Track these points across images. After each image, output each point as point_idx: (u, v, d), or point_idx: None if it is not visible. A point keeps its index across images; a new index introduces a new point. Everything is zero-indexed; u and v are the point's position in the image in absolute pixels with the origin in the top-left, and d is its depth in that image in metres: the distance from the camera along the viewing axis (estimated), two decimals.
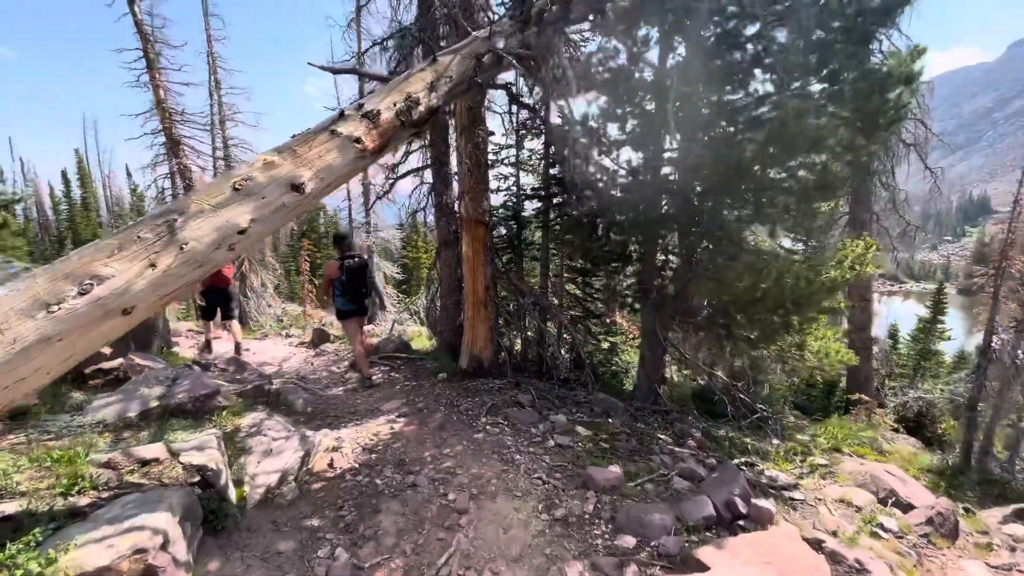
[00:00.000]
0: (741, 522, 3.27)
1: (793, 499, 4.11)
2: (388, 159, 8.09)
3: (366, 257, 6.25)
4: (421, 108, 3.22)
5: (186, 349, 8.09)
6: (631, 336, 12.95)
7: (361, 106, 3.00)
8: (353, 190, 14.01)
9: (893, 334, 15.09)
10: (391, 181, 7.96)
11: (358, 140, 2.90)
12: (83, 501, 2.83)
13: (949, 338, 13.92)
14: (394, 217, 13.86)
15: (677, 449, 4.76)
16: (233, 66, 13.63)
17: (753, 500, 3.37)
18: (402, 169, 7.73)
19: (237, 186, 2.53)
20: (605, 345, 8.90)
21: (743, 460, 4.83)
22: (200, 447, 3.49)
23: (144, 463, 3.27)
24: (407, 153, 7.61)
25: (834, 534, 3.45)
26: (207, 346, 7.24)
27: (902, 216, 12.13)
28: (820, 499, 4.18)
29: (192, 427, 3.90)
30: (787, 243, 6.10)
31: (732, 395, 5.99)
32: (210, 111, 13.49)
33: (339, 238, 6.17)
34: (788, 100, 3.95)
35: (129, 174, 31.95)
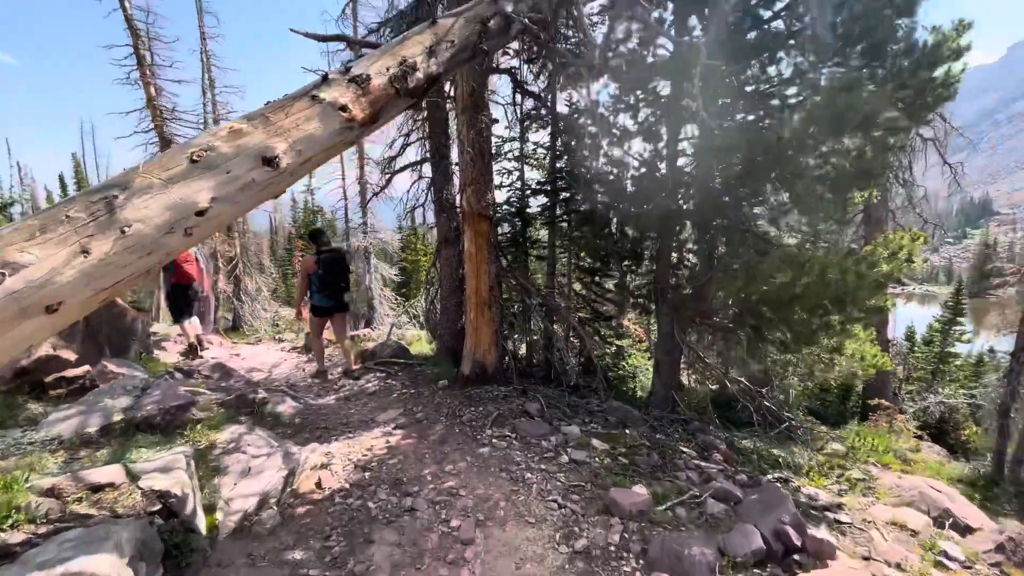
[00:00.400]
0: (796, 556, 2.81)
1: (840, 522, 3.65)
2: (385, 141, 7.66)
3: (344, 251, 5.96)
4: (419, 75, 2.78)
5: (174, 354, 7.63)
6: (638, 339, 12.51)
7: (348, 69, 2.56)
8: (350, 189, 13.58)
9: (910, 336, 14.61)
10: (388, 176, 7.52)
11: (344, 108, 2.46)
12: (16, 538, 2.38)
13: (968, 340, 13.46)
14: (392, 217, 13.44)
15: (703, 464, 4.30)
16: (227, 64, 13.30)
17: (809, 530, 2.91)
18: (400, 163, 7.29)
19: (195, 157, 2.09)
20: (611, 348, 8.44)
21: (776, 476, 4.38)
22: (165, 468, 3.04)
23: (96, 489, 2.82)
24: (405, 146, 7.19)
25: (899, 567, 3.00)
26: (191, 351, 6.78)
27: (919, 214, 11.71)
28: (869, 521, 3.71)
29: (160, 444, 3.45)
30: (791, 241, 5.68)
31: (757, 403, 5.53)
32: (203, 110, 13.11)
33: (315, 234, 5.96)
34: (833, 74, 3.51)
35: None
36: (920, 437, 9.48)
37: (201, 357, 6.85)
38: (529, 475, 3.69)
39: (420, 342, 9.45)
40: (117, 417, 3.58)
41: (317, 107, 2.39)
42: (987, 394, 10.36)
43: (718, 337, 5.91)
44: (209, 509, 3.08)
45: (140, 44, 11.96)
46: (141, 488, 2.83)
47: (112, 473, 2.89)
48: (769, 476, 4.29)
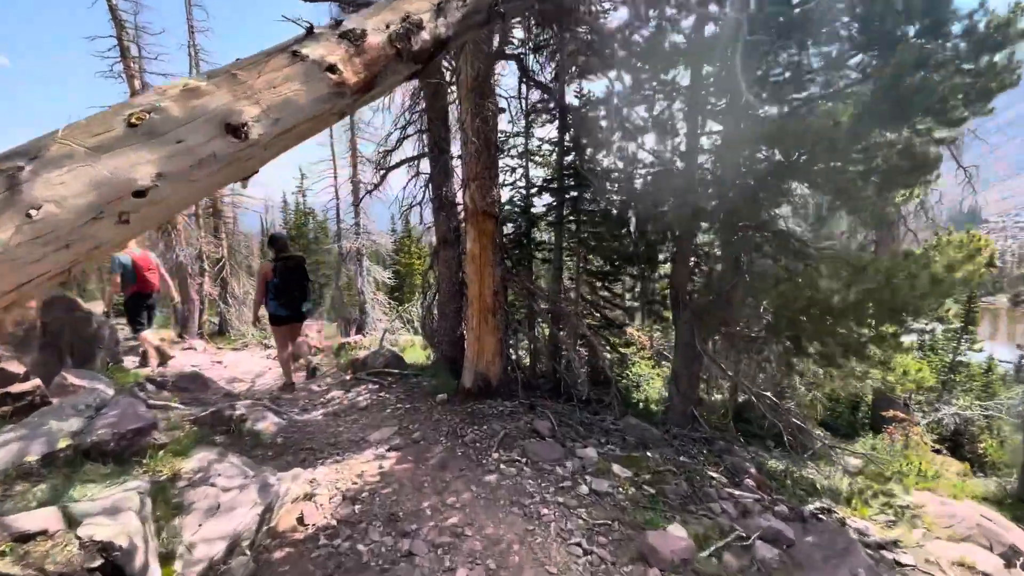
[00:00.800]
0: None
1: (900, 564, 3.19)
2: (380, 135, 7.16)
3: (304, 259, 5.68)
4: (424, 35, 2.29)
5: (151, 364, 7.04)
6: (640, 346, 12.05)
7: (339, 23, 2.07)
8: (342, 189, 13.07)
9: (921, 345, 14.25)
10: (382, 173, 7.02)
11: (332, 68, 1.97)
12: None
13: (980, 350, 13.12)
14: (385, 217, 12.94)
15: (736, 492, 3.83)
16: (216, 59, 12.75)
17: None
18: (395, 158, 6.79)
19: (134, 120, 1.58)
20: (615, 356, 7.98)
21: (817, 506, 3.91)
22: (113, 510, 2.52)
23: (25, 538, 2.29)
24: (401, 140, 6.69)
25: None
26: (164, 361, 6.23)
27: (931, 219, 11.38)
28: (932, 562, 3.26)
29: (112, 476, 2.93)
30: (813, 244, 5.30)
31: (786, 420, 5.07)
32: None
33: (273, 239, 5.65)
34: (904, 51, 3.07)
35: None
36: (938, 451, 9.09)
37: (151, 369, 6.24)
38: (545, 511, 3.20)
39: (414, 348, 8.92)
40: (63, 443, 3.04)
41: (298, 66, 1.89)
42: (1005, 406, 9.98)
43: (741, 348, 5.45)
44: (167, 558, 2.56)
45: (124, 35, 11.47)
46: (80, 538, 2.31)
47: (46, 518, 2.37)
48: (810, 506, 3.83)
